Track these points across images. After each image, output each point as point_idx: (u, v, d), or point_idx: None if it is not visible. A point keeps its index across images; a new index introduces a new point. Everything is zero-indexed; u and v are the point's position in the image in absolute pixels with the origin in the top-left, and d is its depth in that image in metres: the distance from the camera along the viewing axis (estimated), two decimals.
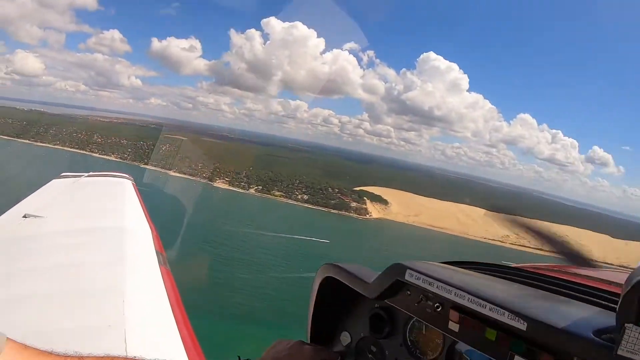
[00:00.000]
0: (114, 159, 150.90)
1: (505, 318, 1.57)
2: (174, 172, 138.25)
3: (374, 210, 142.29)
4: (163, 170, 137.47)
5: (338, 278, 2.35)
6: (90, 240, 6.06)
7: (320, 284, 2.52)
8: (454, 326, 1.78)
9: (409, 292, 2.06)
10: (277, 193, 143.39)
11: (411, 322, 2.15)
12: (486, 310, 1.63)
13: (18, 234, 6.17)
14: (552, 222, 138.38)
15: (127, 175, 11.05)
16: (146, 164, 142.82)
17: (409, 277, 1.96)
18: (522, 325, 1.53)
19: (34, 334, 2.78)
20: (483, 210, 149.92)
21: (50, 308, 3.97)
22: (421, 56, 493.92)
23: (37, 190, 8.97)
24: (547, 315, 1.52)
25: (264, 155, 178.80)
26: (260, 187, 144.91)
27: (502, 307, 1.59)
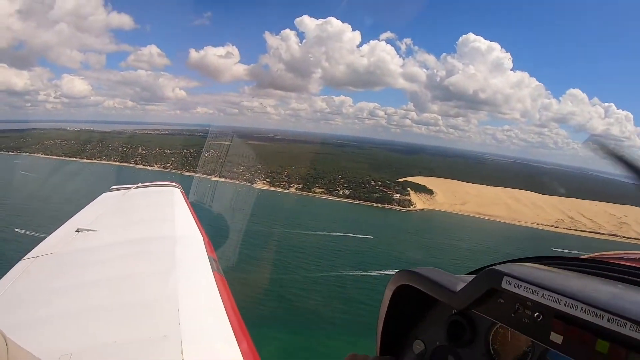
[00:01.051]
0: (157, 168, 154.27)
1: (626, 329, 1.35)
2: (215, 177, 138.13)
3: (419, 201, 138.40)
4: (204, 176, 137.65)
5: (416, 286, 2.13)
6: (142, 251, 6.20)
7: (396, 293, 2.25)
8: (556, 337, 1.57)
9: (501, 300, 1.82)
10: (317, 190, 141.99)
11: (494, 329, 1.91)
12: (603, 322, 1.40)
13: (72, 248, 6.32)
14: (611, 203, 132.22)
15: (175, 184, 11.34)
16: (187, 171, 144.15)
17: (506, 284, 1.72)
18: None
19: (91, 347, 3.47)
20: (535, 194, 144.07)
21: (106, 320, 4.07)
22: (460, 39, 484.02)
23: (89, 204, 9.28)
24: None
25: (308, 153, 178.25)
26: (300, 186, 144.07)
27: (623, 318, 1.36)
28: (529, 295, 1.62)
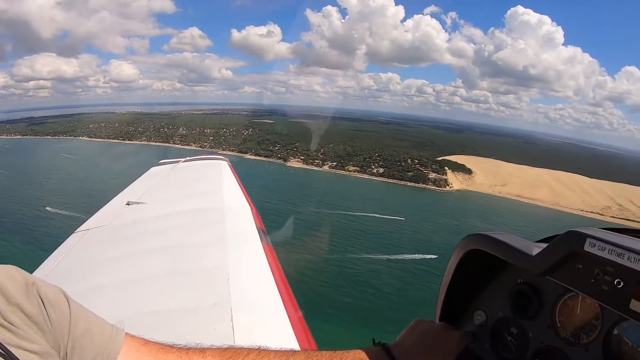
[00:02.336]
0: (194, 148, 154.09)
1: None
2: (250, 155, 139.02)
3: (455, 181, 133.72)
4: (239, 154, 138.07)
5: (488, 250, 2.00)
6: (192, 221, 6.24)
7: (463, 258, 2.15)
8: (637, 306, 1.44)
9: (579, 266, 1.69)
10: (351, 168, 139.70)
11: (562, 301, 1.82)
12: None
13: (123, 221, 6.41)
14: None
15: (222, 157, 11.44)
16: (224, 149, 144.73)
17: (589, 247, 1.58)
18: None
19: (144, 314, 3.54)
20: (583, 178, 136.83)
21: (158, 289, 4.18)
22: (508, 12, 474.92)
23: (138, 178, 9.41)
24: None
25: (349, 131, 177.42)
26: (334, 163, 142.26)
27: None
28: (614, 258, 1.49)
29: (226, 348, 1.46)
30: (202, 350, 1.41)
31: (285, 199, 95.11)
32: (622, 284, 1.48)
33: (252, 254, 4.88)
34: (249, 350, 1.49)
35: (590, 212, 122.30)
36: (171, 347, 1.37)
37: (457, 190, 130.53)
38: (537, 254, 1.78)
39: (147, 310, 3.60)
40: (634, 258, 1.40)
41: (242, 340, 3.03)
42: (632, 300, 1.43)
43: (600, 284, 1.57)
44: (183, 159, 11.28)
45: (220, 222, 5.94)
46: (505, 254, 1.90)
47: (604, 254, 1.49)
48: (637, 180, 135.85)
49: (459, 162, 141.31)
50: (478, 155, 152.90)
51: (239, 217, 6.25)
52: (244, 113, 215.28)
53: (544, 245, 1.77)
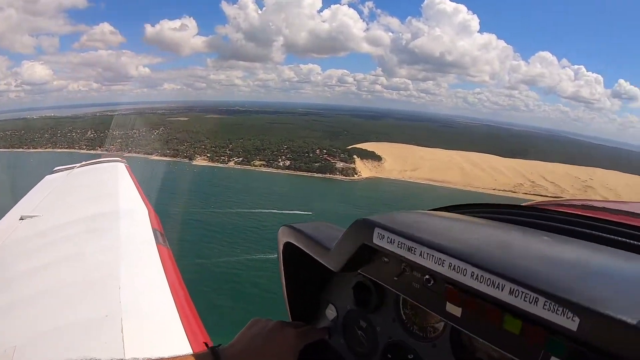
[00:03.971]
0: (100, 152, 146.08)
1: (539, 309, 0.91)
2: (156, 155, 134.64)
3: (364, 169, 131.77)
4: (144, 156, 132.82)
5: (296, 244, 1.85)
6: (86, 229, 6.01)
7: (285, 252, 2.00)
8: (453, 309, 1.19)
9: (386, 259, 1.47)
10: (257, 163, 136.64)
11: None
12: (503, 295, 0.98)
13: (15, 238, 6.11)
14: (577, 165, 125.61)
15: (119, 159, 11.05)
16: (130, 152, 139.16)
17: (378, 239, 1.36)
18: (572, 324, 0.86)
19: (34, 336, 3.40)
20: (495, 158, 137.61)
21: (49, 306, 3.98)
22: (425, 1, 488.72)
23: (32, 189, 8.88)
24: (613, 303, 0.83)
25: (265, 124, 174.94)
26: (240, 159, 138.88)
27: (535, 292, 0.92)
28: (404, 253, 1.26)
29: None
30: None
31: (180, 200, 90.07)
32: (432, 282, 1.25)
33: (146, 259, 4.69)
34: None
35: (503, 190, 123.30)
36: None
37: (366, 178, 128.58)
38: (333, 247, 1.58)
39: (39, 331, 3.43)
40: (427, 254, 1.17)
41: (132, 350, 3.01)
42: (447, 303, 1.20)
43: (410, 281, 1.35)
44: (79, 164, 10.69)
45: (115, 227, 5.71)
46: (307, 247, 1.71)
47: (394, 248, 1.27)
48: (549, 156, 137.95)
49: (368, 150, 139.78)
50: (391, 141, 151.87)
51: (135, 220, 5.99)
52: (160, 112, 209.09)
53: None
